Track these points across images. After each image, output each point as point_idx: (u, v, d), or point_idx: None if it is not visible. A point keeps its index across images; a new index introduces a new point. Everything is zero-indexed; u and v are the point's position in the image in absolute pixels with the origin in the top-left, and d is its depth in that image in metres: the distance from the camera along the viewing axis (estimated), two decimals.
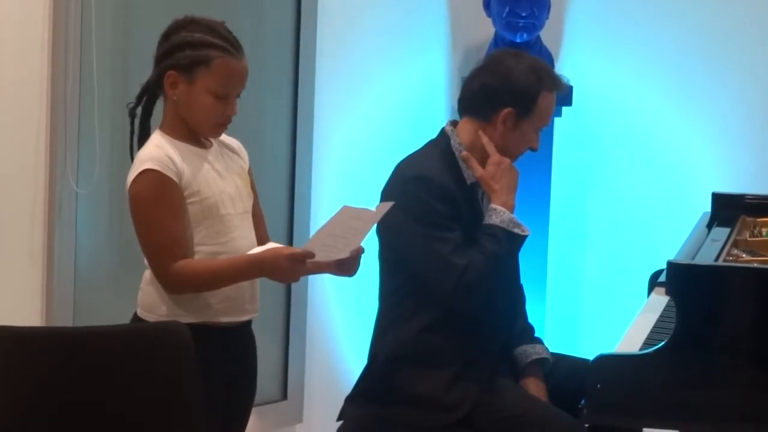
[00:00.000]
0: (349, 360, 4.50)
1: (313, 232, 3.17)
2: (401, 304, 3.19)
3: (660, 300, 3.53)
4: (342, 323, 4.54)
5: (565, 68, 4.71)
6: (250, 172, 2.98)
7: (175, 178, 2.76)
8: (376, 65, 4.59)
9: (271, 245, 2.87)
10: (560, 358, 3.40)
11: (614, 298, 4.78)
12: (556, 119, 4.49)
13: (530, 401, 3.17)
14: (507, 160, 3.17)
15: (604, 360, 2.97)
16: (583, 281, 4.98)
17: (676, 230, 4.08)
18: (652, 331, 3.27)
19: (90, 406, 2.61)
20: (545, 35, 4.76)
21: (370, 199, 3.18)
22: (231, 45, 2.81)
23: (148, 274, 2.85)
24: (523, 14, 4.63)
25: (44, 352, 2.61)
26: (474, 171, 3.17)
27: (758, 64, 4.75)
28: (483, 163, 3.17)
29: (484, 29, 4.81)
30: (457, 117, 3.30)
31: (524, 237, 3.14)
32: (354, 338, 4.48)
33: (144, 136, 2.88)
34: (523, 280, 3.40)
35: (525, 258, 3.34)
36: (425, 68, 4.80)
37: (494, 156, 3.16)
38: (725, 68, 4.78)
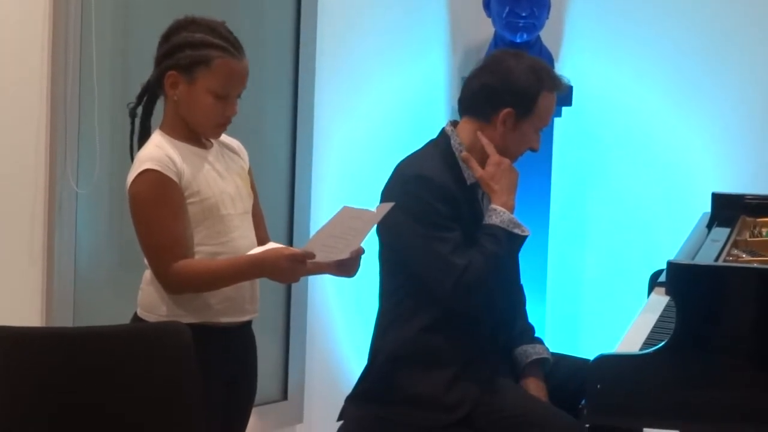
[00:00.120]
0: (349, 360, 4.50)
1: (313, 232, 3.17)
2: (401, 304, 3.19)
3: (660, 300, 3.53)
4: (342, 323, 4.54)
5: (565, 68, 4.71)
6: (250, 172, 2.98)
7: (175, 178, 2.76)
8: (376, 65, 4.59)
9: (271, 245, 2.87)
10: (560, 358, 3.40)
11: (614, 298, 4.78)
12: (556, 119, 4.49)
13: (530, 401, 3.17)
14: (507, 161, 3.17)
15: (604, 360, 2.97)
16: (583, 281, 4.98)
17: (676, 230, 4.08)
18: (652, 331, 3.27)
19: (90, 406, 2.61)
20: (545, 35, 4.76)
21: (370, 199, 3.18)
22: (231, 45, 2.81)
23: (148, 274, 2.85)
24: (523, 14, 4.63)
25: (44, 352, 2.61)
26: (474, 171, 3.17)
27: (758, 64, 4.75)
28: (483, 163, 3.17)
29: (484, 29, 4.81)
30: (457, 117, 3.30)
31: (524, 237, 3.14)
32: (354, 338, 4.48)
33: (144, 136, 2.88)
34: (523, 280, 3.40)
35: (525, 258, 3.34)
36: (425, 68, 4.80)
37: (494, 156, 3.16)
38: (725, 68, 4.78)
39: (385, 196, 3.16)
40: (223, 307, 2.83)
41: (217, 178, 2.85)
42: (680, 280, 2.96)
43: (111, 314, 3.22)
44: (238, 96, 2.84)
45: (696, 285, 2.95)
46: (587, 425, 3.07)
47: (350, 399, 3.26)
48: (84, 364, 2.61)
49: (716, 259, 3.23)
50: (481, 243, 3.09)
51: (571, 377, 3.26)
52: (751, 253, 3.45)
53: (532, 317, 3.44)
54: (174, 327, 2.70)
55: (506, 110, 3.17)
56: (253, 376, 3.00)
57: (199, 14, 2.86)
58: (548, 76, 3.21)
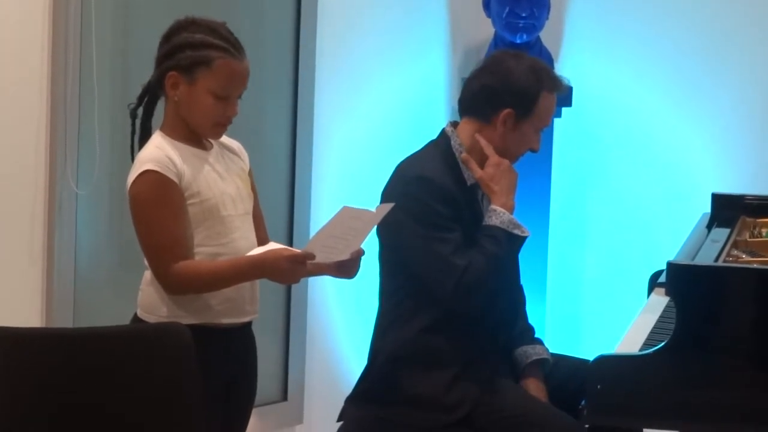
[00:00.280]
0: (349, 361, 4.50)
1: (313, 232, 3.17)
2: (401, 304, 3.19)
3: (660, 300, 3.53)
4: (342, 324, 4.54)
5: (564, 69, 4.71)
6: (250, 173, 2.98)
7: (175, 179, 2.76)
8: (376, 65, 4.59)
9: (271, 245, 2.87)
10: (560, 359, 3.40)
11: (614, 298, 4.78)
12: (556, 120, 4.49)
13: (530, 402, 3.17)
14: (506, 162, 3.17)
15: (604, 360, 2.97)
16: (583, 282, 4.98)
17: (676, 231, 4.08)
18: (652, 332, 3.27)
19: (90, 407, 2.61)
20: (545, 36, 4.76)
21: (370, 199, 3.18)
22: (232, 46, 2.81)
23: (148, 274, 2.85)
24: (523, 15, 4.63)
25: (44, 352, 2.61)
26: (473, 172, 3.17)
27: (758, 65, 4.75)
28: (482, 164, 3.17)
29: (484, 30, 4.81)
30: (457, 117, 3.30)
31: (524, 238, 3.14)
32: (354, 339, 4.48)
33: (145, 137, 2.88)
34: (523, 281, 3.40)
35: (525, 258, 3.34)
36: (425, 68, 4.81)
37: (493, 157, 3.16)
38: (725, 68, 4.78)
39: (386, 197, 3.16)
40: (223, 308, 2.83)
41: (218, 179, 2.85)
42: (680, 281, 2.96)
43: (111, 315, 3.22)
44: (239, 97, 2.84)
45: (696, 285, 2.95)
46: (587, 425, 3.07)
47: (350, 399, 3.26)
48: (84, 364, 2.61)
49: (716, 260, 3.23)
50: (481, 244, 3.09)
51: (570, 378, 3.26)
52: (751, 253, 3.45)
53: (532, 318, 3.44)
54: (174, 328, 2.70)
55: (506, 111, 3.17)
56: (253, 376, 3.00)
57: (199, 14, 2.86)
58: (548, 77, 3.21)
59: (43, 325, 3.50)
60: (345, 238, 2.79)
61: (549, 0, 4.73)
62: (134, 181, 2.77)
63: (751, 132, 4.78)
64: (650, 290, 3.79)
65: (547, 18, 4.72)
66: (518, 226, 3.12)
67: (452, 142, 3.21)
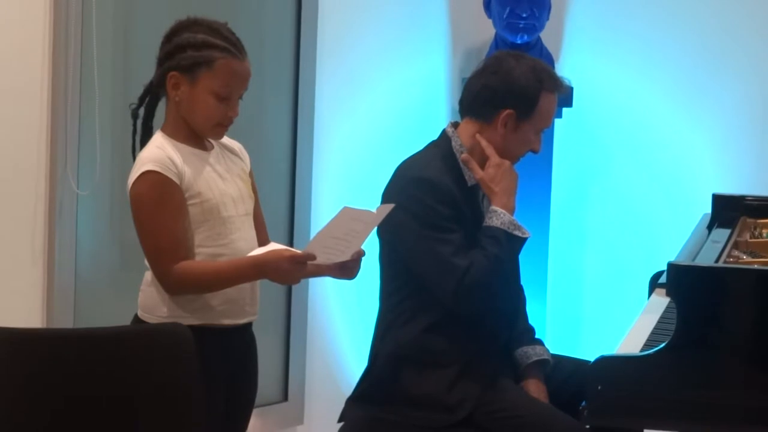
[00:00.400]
0: (349, 361, 4.50)
1: (313, 233, 3.17)
2: (402, 304, 3.19)
3: (660, 301, 3.53)
4: (343, 324, 4.54)
5: (565, 69, 4.71)
6: (251, 174, 2.98)
7: (176, 180, 2.76)
8: (377, 66, 4.59)
9: (272, 246, 2.87)
10: (561, 360, 3.40)
11: (615, 299, 4.78)
12: (557, 120, 4.49)
13: (531, 402, 3.17)
14: (507, 163, 3.17)
15: (604, 361, 2.97)
16: (584, 282, 4.98)
17: (676, 231, 4.09)
18: (652, 333, 3.27)
19: (90, 407, 2.61)
20: (546, 36, 4.76)
21: (370, 200, 3.18)
22: (233, 46, 2.81)
23: (148, 275, 2.85)
24: (524, 15, 4.63)
25: (45, 353, 2.61)
26: (474, 173, 3.17)
27: (759, 64, 4.75)
28: (483, 164, 3.17)
29: (485, 30, 4.81)
30: (457, 118, 3.30)
31: (525, 239, 3.14)
32: (355, 339, 4.48)
33: (146, 137, 2.88)
34: (523, 281, 3.40)
35: (525, 259, 3.34)
36: (426, 69, 4.81)
37: (494, 158, 3.16)
38: (726, 69, 4.79)
39: (386, 198, 3.16)
40: (223, 309, 2.83)
41: (218, 180, 2.85)
42: (681, 282, 2.96)
43: (111, 315, 3.21)
44: (240, 97, 2.84)
45: (696, 286, 2.95)
46: (588, 426, 3.07)
47: (351, 400, 3.26)
48: (84, 365, 2.61)
49: (716, 261, 3.23)
50: (482, 245, 3.09)
51: (571, 378, 3.26)
52: (752, 254, 3.45)
53: (533, 318, 3.44)
54: (174, 328, 2.70)
55: (507, 111, 3.17)
56: (254, 377, 3.00)
57: (200, 14, 2.86)
58: (549, 77, 3.20)
59: (44, 326, 3.50)
60: (345, 239, 2.79)
61: (549, 0, 4.73)
62: (135, 182, 2.77)
63: (751, 133, 4.78)
64: (651, 291, 3.79)
65: (548, 18, 4.73)
66: (519, 228, 3.12)
67: (453, 143, 3.21)
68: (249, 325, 2.94)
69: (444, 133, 3.26)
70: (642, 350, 3.10)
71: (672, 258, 3.09)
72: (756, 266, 3.23)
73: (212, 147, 2.90)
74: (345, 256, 2.83)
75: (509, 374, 3.26)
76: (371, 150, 4.53)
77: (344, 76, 4.47)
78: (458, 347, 3.15)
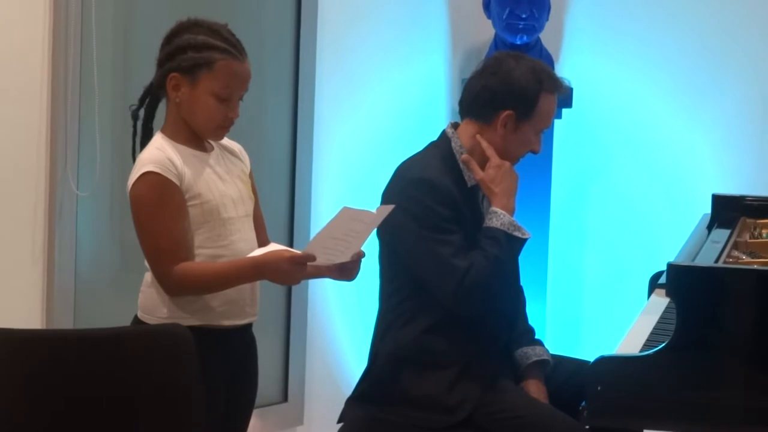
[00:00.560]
0: (349, 362, 4.50)
1: (313, 234, 3.17)
2: (402, 305, 3.19)
3: (660, 301, 3.53)
4: (342, 325, 4.54)
5: (565, 70, 4.72)
6: (251, 175, 2.98)
7: (176, 181, 2.76)
8: (376, 66, 4.59)
9: (272, 246, 2.87)
10: (561, 360, 3.40)
11: (615, 299, 4.78)
12: (556, 121, 4.49)
13: (531, 403, 3.17)
14: (507, 164, 3.17)
15: (604, 361, 2.97)
16: (584, 283, 4.98)
17: (676, 232, 4.09)
18: (652, 333, 3.27)
19: (90, 408, 2.61)
20: (545, 37, 4.76)
21: (370, 200, 3.18)
22: (234, 47, 2.81)
23: (148, 276, 2.85)
24: (523, 16, 4.64)
25: (45, 354, 2.61)
26: (474, 174, 3.16)
27: (759, 65, 4.75)
28: (483, 165, 3.17)
29: (484, 31, 4.81)
30: (457, 119, 3.30)
31: (524, 240, 3.14)
32: (354, 340, 4.48)
33: (146, 138, 2.88)
34: (523, 282, 3.40)
35: (525, 260, 3.34)
36: (425, 70, 4.81)
37: (494, 159, 3.16)
38: (726, 69, 4.79)
39: (386, 199, 3.15)
40: (223, 310, 2.83)
41: (218, 181, 2.85)
42: (680, 282, 2.96)
43: (111, 316, 3.21)
44: (240, 98, 2.84)
45: (696, 287, 2.95)
46: (588, 426, 3.07)
47: (351, 400, 3.26)
48: (84, 366, 2.61)
49: (716, 261, 3.23)
50: (482, 246, 3.09)
51: (571, 379, 3.26)
52: (751, 254, 3.45)
53: (533, 319, 3.44)
54: (174, 329, 2.70)
55: (506, 112, 3.17)
56: (254, 378, 3.00)
57: (200, 14, 2.86)
58: (548, 78, 3.20)
59: (44, 327, 3.50)
60: (345, 240, 2.79)
61: (549, 1, 4.73)
62: (135, 183, 2.77)
63: (751, 133, 4.78)
64: (650, 291, 3.79)
65: (547, 19, 4.73)
66: (519, 228, 3.12)
67: (453, 144, 3.21)
68: (249, 326, 2.94)
69: (444, 133, 3.26)
70: (642, 351, 3.10)
71: (672, 258, 3.09)
72: (756, 266, 3.23)
73: (212, 148, 2.90)
74: (345, 257, 2.83)
75: (509, 375, 3.26)
76: (371, 150, 4.53)
77: (344, 76, 4.47)
78: (458, 348, 3.15)
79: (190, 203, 2.79)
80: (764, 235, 3.73)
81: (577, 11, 4.95)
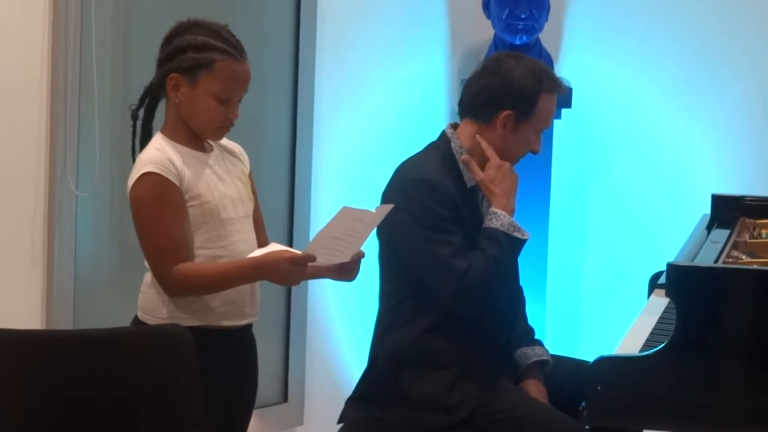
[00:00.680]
0: (349, 362, 4.50)
1: (313, 234, 3.16)
2: (401, 305, 3.19)
3: (660, 302, 3.53)
4: (342, 325, 4.54)
5: (564, 70, 4.72)
6: (250, 175, 2.98)
7: (175, 181, 2.76)
8: (376, 66, 4.59)
9: (273, 246, 2.87)
10: (560, 360, 3.40)
11: (614, 299, 4.78)
12: (556, 121, 4.49)
13: (531, 403, 3.17)
14: (507, 164, 3.17)
15: (604, 362, 2.97)
16: (583, 283, 4.98)
17: (676, 232, 4.09)
18: (652, 333, 3.27)
19: (90, 408, 2.61)
20: (545, 37, 4.76)
21: (370, 200, 3.18)
22: (234, 48, 2.81)
23: (148, 276, 2.85)
24: (523, 16, 4.64)
25: (44, 354, 2.61)
26: (474, 174, 3.16)
27: (759, 65, 4.75)
28: (483, 165, 3.17)
29: (484, 31, 4.81)
30: (457, 119, 3.30)
31: (524, 241, 3.14)
32: (354, 340, 4.48)
33: (146, 138, 2.88)
34: (523, 282, 3.40)
35: (525, 260, 3.34)
36: (425, 69, 4.81)
37: (494, 159, 3.16)
38: (725, 69, 4.79)
39: (386, 199, 3.15)
40: (223, 310, 2.83)
41: (218, 182, 2.85)
42: (680, 282, 2.96)
43: (111, 317, 3.21)
44: (240, 100, 2.84)
45: (696, 287, 2.95)
46: (587, 426, 3.07)
47: (350, 401, 3.26)
48: (84, 366, 2.61)
49: (716, 261, 3.23)
50: (482, 247, 3.09)
51: (571, 379, 3.26)
52: (751, 254, 3.45)
53: (532, 319, 3.44)
54: (174, 330, 2.70)
55: (506, 112, 3.17)
56: (254, 378, 3.00)
57: (199, 14, 2.86)
58: (548, 78, 3.20)
59: (44, 327, 3.50)
60: (345, 240, 2.79)
61: (548, 1, 4.73)
62: (135, 183, 2.77)
63: (751, 133, 4.78)
64: (650, 291, 3.79)
65: (547, 19, 4.73)
66: (518, 229, 3.12)
67: (452, 144, 3.21)
68: (249, 326, 2.94)
69: (443, 134, 3.26)
70: (641, 351, 3.09)
71: (671, 258, 3.09)
72: (755, 266, 3.23)
73: (212, 149, 2.90)
74: (345, 257, 2.83)
75: (509, 375, 3.26)
76: (371, 150, 4.53)
77: (343, 76, 4.47)
78: (458, 348, 3.15)
79: (189, 204, 2.79)
80: (764, 235, 3.73)
81: (576, 11, 4.95)
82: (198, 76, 2.78)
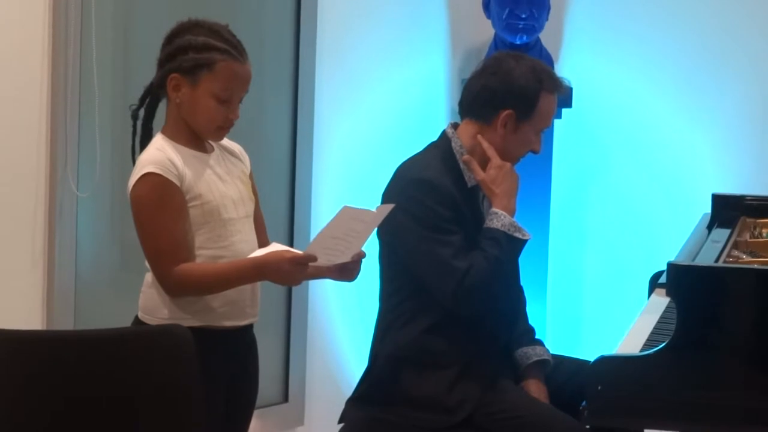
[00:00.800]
0: (350, 362, 4.50)
1: (313, 234, 3.17)
2: (402, 305, 3.19)
3: (660, 301, 3.53)
4: (343, 325, 4.54)
5: (564, 70, 4.72)
6: (251, 176, 2.98)
7: (176, 182, 2.76)
8: (376, 66, 4.59)
9: (274, 246, 2.86)
10: (561, 360, 3.40)
11: (615, 299, 4.78)
12: (556, 121, 4.49)
13: (531, 403, 3.17)
14: (508, 164, 3.17)
15: (604, 361, 2.97)
16: (584, 283, 4.98)
17: (676, 231, 4.09)
18: (652, 333, 3.27)
19: (90, 408, 2.61)
20: (545, 37, 4.76)
21: (370, 200, 3.18)
22: (235, 48, 2.81)
23: (149, 276, 2.85)
24: (523, 16, 4.64)
25: (45, 355, 2.61)
26: (475, 174, 3.16)
27: (759, 64, 4.75)
28: (484, 165, 3.17)
29: (484, 31, 4.81)
30: (457, 119, 3.30)
31: (525, 241, 3.14)
32: (355, 340, 4.48)
33: (146, 139, 2.88)
34: (523, 282, 3.40)
35: (525, 260, 3.34)
36: (425, 69, 4.81)
37: (495, 160, 3.16)
38: (726, 69, 4.79)
39: (386, 199, 3.15)
40: (224, 311, 2.83)
41: (219, 182, 2.85)
42: (680, 282, 2.96)
43: (112, 317, 3.21)
44: (240, 100, 2.84)
45: (696, 286, 2.95)
46: (588, 426, 3.07)
47: (351, 401, 3.26)
48: (85, 367, 2.61)
49: (716, 261, 3.23)
50: (482, 247, 3.09)
51: (571, 379, 3.26)
52: (752, 254, 3.45)
53: (533, 319, 3.44)
54: (175, 330, 2.70)
55: (506, 112, 3.17)
56: (254, 378, 3.00)
57: (200, 14, 2.86)
58: (548, 78, 3.20)
59: (44, 327, 3.50)
60: (346, 239, 2.79)
61: (549, 1, 4.73)
62: (135, 184, 2.76)
63: (751, 132, 4.78)
64: (651, 291, 3.79)
65: (547, 19, 4.73)
66: (519, 230, 3.12)
67: (453, 144, 3.21)
68: (250, 326, 2.94)
69: (444, 134, 3.26)
70: (642, 350, 3.10)
71: (672, 258, 3.09)
72: (756, 266, 3.23)
73: (212, 149, 2.90)
74: (345, 257, 2.82)
75: (509, 375, 3.26)
76: (371, 150, 4.53)
77: (344, 76, 4.47)
78: (458, 348, 3.15)
79: (190, 204, 2.79)
80: (764, 234, 3.73)
81: (576, 11, 4.95)
82: (199, 77, 2.78)
